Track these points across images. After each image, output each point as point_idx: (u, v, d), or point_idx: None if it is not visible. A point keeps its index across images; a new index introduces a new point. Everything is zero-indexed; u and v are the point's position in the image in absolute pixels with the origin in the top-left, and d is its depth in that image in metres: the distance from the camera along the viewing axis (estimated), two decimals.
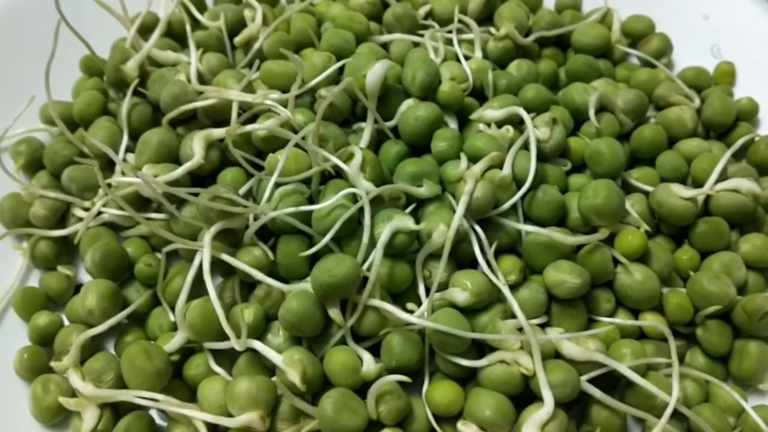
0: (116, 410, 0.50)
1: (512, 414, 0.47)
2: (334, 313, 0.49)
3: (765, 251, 0.56)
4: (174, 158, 0.57)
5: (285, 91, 0.57)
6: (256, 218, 0.52)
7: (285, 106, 0.56)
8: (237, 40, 0.66)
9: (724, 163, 0.57)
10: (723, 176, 0.57)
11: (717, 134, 0.65)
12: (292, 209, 0.51)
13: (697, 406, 0.51)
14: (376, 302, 0.49)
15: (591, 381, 0.48)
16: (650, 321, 0.53)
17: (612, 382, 0.51)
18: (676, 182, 0.57)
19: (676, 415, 0.48)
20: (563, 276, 0.51)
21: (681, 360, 0.53)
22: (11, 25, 0.68)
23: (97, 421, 0.49)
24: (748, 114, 0.65)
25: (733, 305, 0.53)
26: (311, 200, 0.54)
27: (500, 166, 0.54)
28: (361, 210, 0.50)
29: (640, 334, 0.54)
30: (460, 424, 0.48)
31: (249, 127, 0.54)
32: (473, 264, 0.53)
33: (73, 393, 0.51)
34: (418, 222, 0.52)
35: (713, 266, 0.55)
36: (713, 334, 0.53)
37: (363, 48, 0.61)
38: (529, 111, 0.57)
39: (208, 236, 0.50)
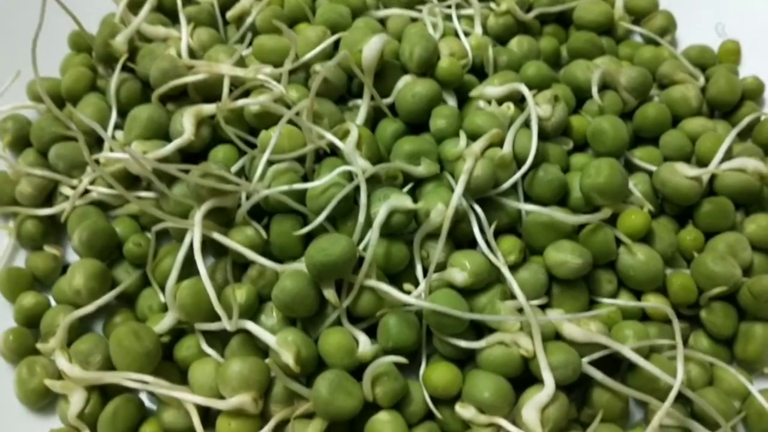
0: (104, 393, 0.49)
1: (511, 396, 0.46)
2: (329, 293, 0.48)
3: None
4: (164, 135, 0.55)
5: (278, 66, 0.56)
6: (248, 197, 0.51)
7: (278, 81, 0.55)
8: (229, 14, 0.64)
9: (729, 142, 0.56)
10: (728, 156, 0.56)
11: (721, 113, 0.64)
12: (285, 187, 0.50)
13: (701, 390, 0.50)
14: (373, 282, 0.48)
15: (592, 363, 0.47)
16: (653, 302, 0.52)
17: (614, 365, 0.50)
18: (681, 162, 0.56)
19: (680, 398, 0.46)
20: (564, 256, 0.50)
21: (684, 343, 0.52)
22: None
23: (85, 403, 0.48)
24: (753, 93, 0.64)
25: (739, 287, 0.52)
26: (305, 179, 0.53)
27: (500, 145, 0.53)
28: (357, 189, 0.49)
29: (643, 316, 0.53)
30: (458, 407, 0.47)
31: (241, 102, 0.53)
32: (472, 244, 0.52)
33: (59, 375, 0.50)
34: (415, 201, 0.50)
35: (718, 247, 0.54)
36: (718, 316, 0.52)
37: (359, 23, 0.60)
38: (530, 88, 0.55)
39: (198, 214, 0.49)
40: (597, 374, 0.47)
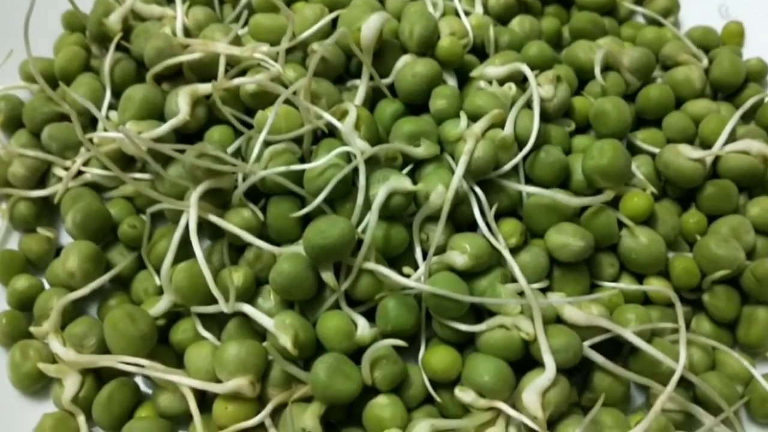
0: (99, 377, 0.49)
1: (512, 379, 0.46)
2: (328, 276, 0.47)
3: None
4: (159, 115, 0.54)
5: (275, 45, 0.55)
6: (245, 178, 0.50)
7: (275, 61, 0.54)
8: None
9: (733, 123, 0.55)
10: (732, 138, 0.56)
11: (725, 95, 0.63)
12: (282, 168, 0.49)
13: (703, 374, 0.49)
14: (371, 265, 0.47)
15: (593, 347, 0.47)
16: (656, 286, 0.51)
17: (615, 349, 0.49)
18: (684, 143, 0.55)
19: (682, 383, 0.46)
20: (566, 238, 0.49)
21: (687, 327, 0.51)
22: None
23: (79, 387, 0.48)
24: (757, 75, 0.63)
25: (742, 270, 0.51)
26: (303, 160, 0.52)
27: (501, 126, 0.52)
28: (355, 170, 0.48)
29: (645, 300, 0.52)
30: (457, 390, 0.46)
31: (237, 81, 0.52)
32: (472, 227, 0.51)
33: (53, 359, 0.49)
34: (415, 183, 0.49)
35: (721, 230, 0.53)
36: (720, 300, 0.51)
37: (358, 0, 0.59)
38: (531, 69, 0.54)
39: (194, 195, 0.48)
40: (598, 358, 0.46)
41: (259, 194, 0.52)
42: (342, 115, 0.51)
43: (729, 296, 0.52)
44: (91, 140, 0.53)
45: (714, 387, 0.47)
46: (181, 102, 0.52)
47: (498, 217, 0.51)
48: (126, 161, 0.55)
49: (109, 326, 0.47)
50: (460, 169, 0.49)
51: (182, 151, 0.47)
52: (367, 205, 0.48)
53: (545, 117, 0.54)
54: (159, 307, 0.49)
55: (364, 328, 0.47)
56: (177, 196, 0.50)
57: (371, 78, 0.54)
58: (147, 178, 0.54)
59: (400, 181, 0.48)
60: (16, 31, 0.55)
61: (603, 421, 0.46)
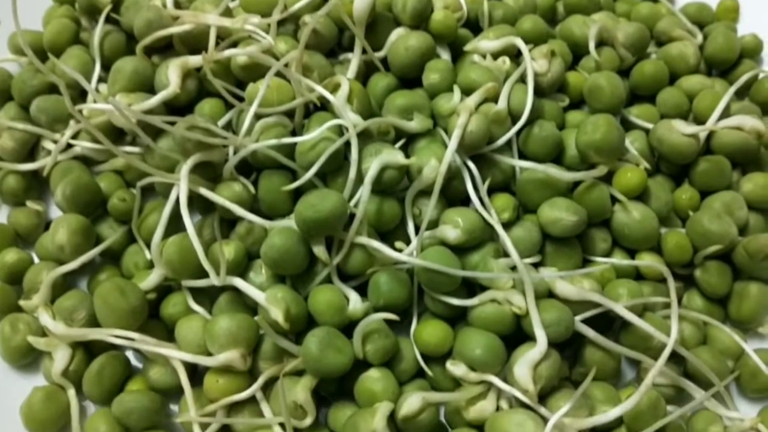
0: (89, 350, 0.48)
1: (503, 353, 0.46)
2: (319, 250, 0.47)
3: (767, 191, 0.54)
4: (149, 88, 0.54)
5: (266, 17, 0.54)
6: (235, 151, 0.50)
7: (267, 33, 0.53)
8: None
9: (727, 99, 0.55)
10: (725, 114, 0.55)
11: (719, 72, 0.63)
12: (274, 141, 0.49)
13: (694, 349, 0.49)
14: (364, 240, 0.47)
15: (585, 322, 0.47)
16: (648, 261, 0.51)
17: (607, 324, 0.49)
18: (678, 119, 0.55)
19: (673, 357, 0.46)
20: (559, 213, 0.49)
21: (678, 302, 0.51)
22: None
23: (69, 361, 0.47)
24: (752, 51, 0.63)
25: (734, 245, 0.51)
26: (294, 134, 0.51)
27: (495, 100, 0.52)
28: (347, 144, 0.48)
29: (637, 276, 0.52)
30: (449, 364, 0.46)
31: (228, 52, 0.51)
32: (465, 202, 0.51)
33: (43, 333, 0.49)
34: (408, 157, 0.49)
35: (714, 206, 0.53)
36: (712, 275, 0.51)
37: None
38: (526, 43, 0.54)
39: (185, 168, 0.47)
40: (589, 332, 0.46)
41: (250, 168, 0.51)
42: (334, 89, 0.50)
43: (721, 272, 0.52)
44: (80, 112, 0.52)
45: (705, 361, 0.47)
46: (172, 75, 0.52)
47: (491, 191, 0.51)
48: (116, 135, 0.54)
49: (99, 300, 0.46)
50: (453, 143, 0.48)
51: (172, 124, 0.47)
52: (360, 179, 0.47)
53: (539, 92, 0.54)
54: (150, 281, 0.48)
55: (355, 303, 0.47)
56: (167, 170, 0.49)
57: (364, 51, 0.53)
58: (137, 152, 0.53)
59: (393, 155, 0.48)
60: (4, 3, 0.54)
61: (594, 395, 0.46)
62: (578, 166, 0.53)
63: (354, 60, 0.54)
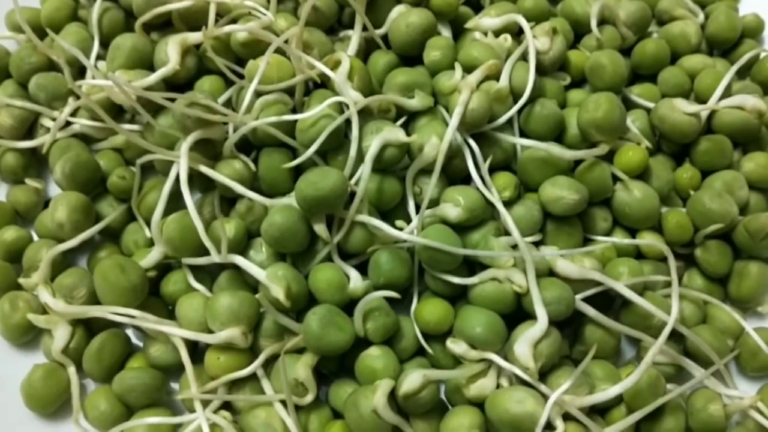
0: (89, 328, 0.49)
1: (503, 331, 0.46)
2: (320, 228, 0.47)
3: None
4: (148, 65, 0.54)
5: None
6: (235, 129, 0.49)
7: (267, 9, 0.52)
8: None
9: (728, 78, 0.54)
10: (727, 93, 0.55)
11: (721, 51, 0.62)
12: (274, 119, 0.48)
13: (695, 327, 0.49)
14: (364, 218, 0.47)
15: (585, 300, 0.47)
16: (649, 240, 0.51)
17: (607, 303, 0.49)
18: (679, 98, 0.54)
19: (673, 336, 0.46)
20: (560, 191, 0.49)
21: (679, 281, 0.51)
22: None
23: (69, 338, 0.47)
24: (753, 31, 0.62)
25: (735, 225, 0.51)
26: (295, 111, 0.51)
27: (496, 78, 0.51)
28: (348, 122, 0.48)
29: (637, 255, 0.52)
30: (449, 342, 0.46)
31: (227, 28, 0.51)
32: (466, 180, 0.51)
33: (43, 310, 0.49)
34: (408, 135, 0.49)
35: (715, 185, 0.53)
36: (713, 255, 0.51)
37: None
38: (527, 21, 0.53)
39: (185, 146, 0.47)
40: (590, 311, 0.46)
41: (250, 146, 0.51)
42: (335, 66, 0.50)
43: (721, 251, 0.52)
44: (80, 88, 0.52)
45: (705, 340, 0.47)
46: (171, 51, 0.51)
47: (492, 170, 0.51)
48: (115, 112, 0.54)
49: (100, 277, 0.46)
50: (454, 121, 0.48)
51: (172, 100, 0.46)
52: (360, 157, 0.47)
53: (541, 70, 0.53)
54: (150, 258, 0.48)
55: (356, 281, 0.47)
56: (167, 147, 0.49)
57: (364, 28, 0.53)
58: (137, 129, 0.53)
59: (394, 133, 0.48)
60: None
61: (594, 373, 0.46)
62: (579, 144, 0.53)
63: (354, 37, 0.53)
